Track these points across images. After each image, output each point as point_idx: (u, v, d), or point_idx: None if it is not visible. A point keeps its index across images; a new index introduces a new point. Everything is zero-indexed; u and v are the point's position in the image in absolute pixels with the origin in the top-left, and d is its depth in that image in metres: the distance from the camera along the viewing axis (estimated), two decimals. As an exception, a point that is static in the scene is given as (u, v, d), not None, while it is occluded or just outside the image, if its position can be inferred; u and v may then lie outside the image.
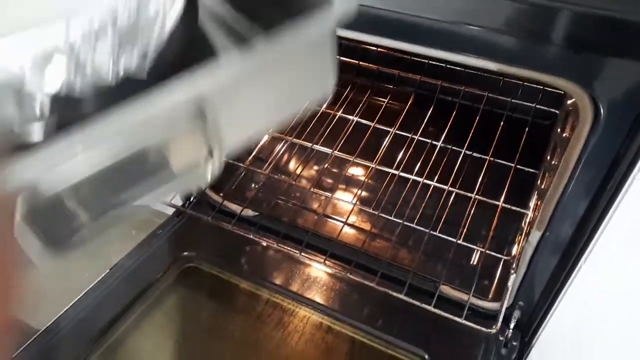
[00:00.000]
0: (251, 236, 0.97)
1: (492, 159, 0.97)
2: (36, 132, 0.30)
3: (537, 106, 1.03)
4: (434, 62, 1.14)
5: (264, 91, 0.37)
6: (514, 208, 0.85)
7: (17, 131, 0.29)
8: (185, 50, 0.35)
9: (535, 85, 1.07)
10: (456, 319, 0.81)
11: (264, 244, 1.00)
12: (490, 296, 0.93)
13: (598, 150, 0.59)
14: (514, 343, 0.87)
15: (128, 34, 0.31)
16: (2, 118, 0.29)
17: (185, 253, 1.03)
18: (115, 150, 0.29)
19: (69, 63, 0.30)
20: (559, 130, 0.77)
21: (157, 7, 0.32)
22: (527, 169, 0.95)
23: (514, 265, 0.75)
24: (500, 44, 0.56)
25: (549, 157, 0.83)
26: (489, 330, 0.80)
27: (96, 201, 0.31)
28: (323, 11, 0.35)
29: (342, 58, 1.19)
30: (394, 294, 0.83)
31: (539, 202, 0.80)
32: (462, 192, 0.90)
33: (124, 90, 0.31)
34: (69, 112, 0.31)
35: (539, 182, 0.88)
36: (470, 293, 0.85)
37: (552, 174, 0.72)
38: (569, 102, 0.80)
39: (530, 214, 0.83)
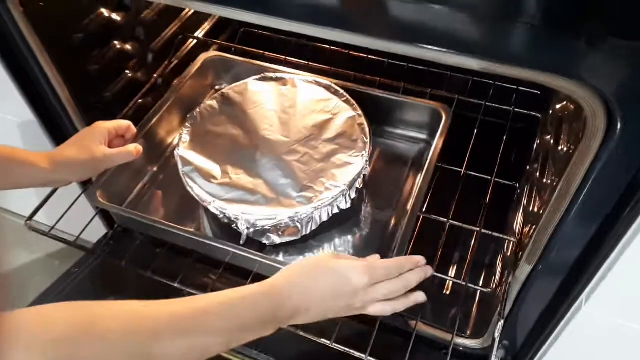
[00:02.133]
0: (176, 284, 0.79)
1: (465, 171, 0.82)
2: None
3: (516, 110, 0.89)
4: (394, 62, 1.00)
5: None
6: (495, 234, 0.70)
7: None
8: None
9: (508, 85, 0.95)
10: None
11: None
12: (469, 332, 0.80)
13: (611, 170, 0.46)
14: (499, 387, 0.74)
15: None
16: None
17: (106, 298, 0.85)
18: None
19: None
20: (552, 142, 0.63)
21: None
22: (504, 182, 0.82)
23: (499, 308, 0.61)
24: (480, 34, 0.43)
25: (538, 174, 0.69)
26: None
27: None
28: None
29: (288, 58, 1.03)
30: (352, 352, 0.67)
31: (525, 229, 0.66)
32: (433, 216, 0.75)
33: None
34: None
35: (524, 200, 0.74)
36: (453, 332, 0.71)
37: (544, 194, 0.59)
38: (559, 106, 0.67)
39: (514, 240, 0.69)
